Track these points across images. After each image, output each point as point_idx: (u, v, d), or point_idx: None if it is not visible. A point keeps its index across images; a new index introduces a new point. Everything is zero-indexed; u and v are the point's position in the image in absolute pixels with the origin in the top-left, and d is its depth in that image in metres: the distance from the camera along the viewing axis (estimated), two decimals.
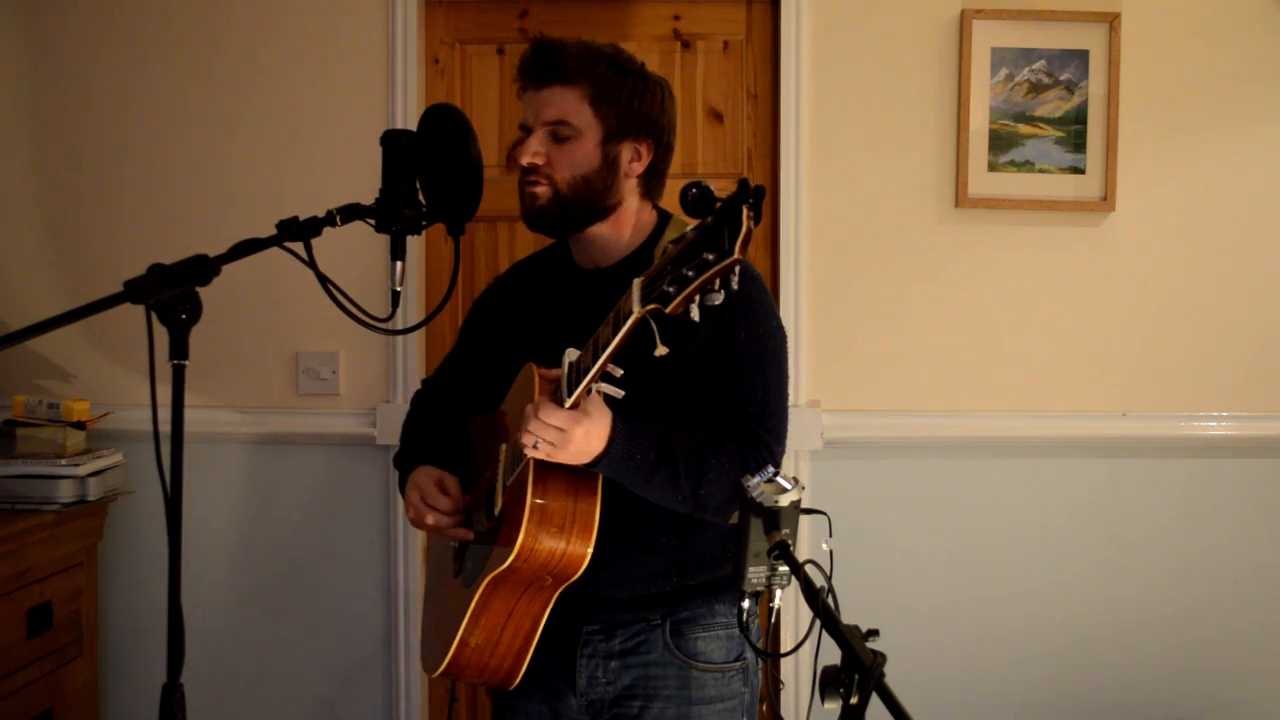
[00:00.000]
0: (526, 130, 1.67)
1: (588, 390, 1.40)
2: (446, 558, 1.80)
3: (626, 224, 1.69)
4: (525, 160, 1.64)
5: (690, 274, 1.18)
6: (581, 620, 1.67)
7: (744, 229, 1.14)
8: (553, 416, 1.41)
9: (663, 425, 1.53)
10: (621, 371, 1.38)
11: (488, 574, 1.53)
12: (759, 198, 1.15)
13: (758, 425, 1.59)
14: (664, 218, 1.74)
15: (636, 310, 1.26)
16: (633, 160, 1.67)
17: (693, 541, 1.64)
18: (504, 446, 1.65)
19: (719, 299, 1.20)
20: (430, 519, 1.67)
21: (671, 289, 1.20)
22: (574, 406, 1.42)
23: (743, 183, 1.15)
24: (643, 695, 1.66)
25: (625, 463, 1.48)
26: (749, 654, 1.71)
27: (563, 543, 1.49)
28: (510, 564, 1.48)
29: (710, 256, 1.16)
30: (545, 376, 1.54)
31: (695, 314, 1.22)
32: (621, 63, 1.66)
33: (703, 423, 1.58)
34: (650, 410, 1.55)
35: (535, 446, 1.43)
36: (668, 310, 1.22)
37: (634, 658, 1.66)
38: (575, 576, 1.52)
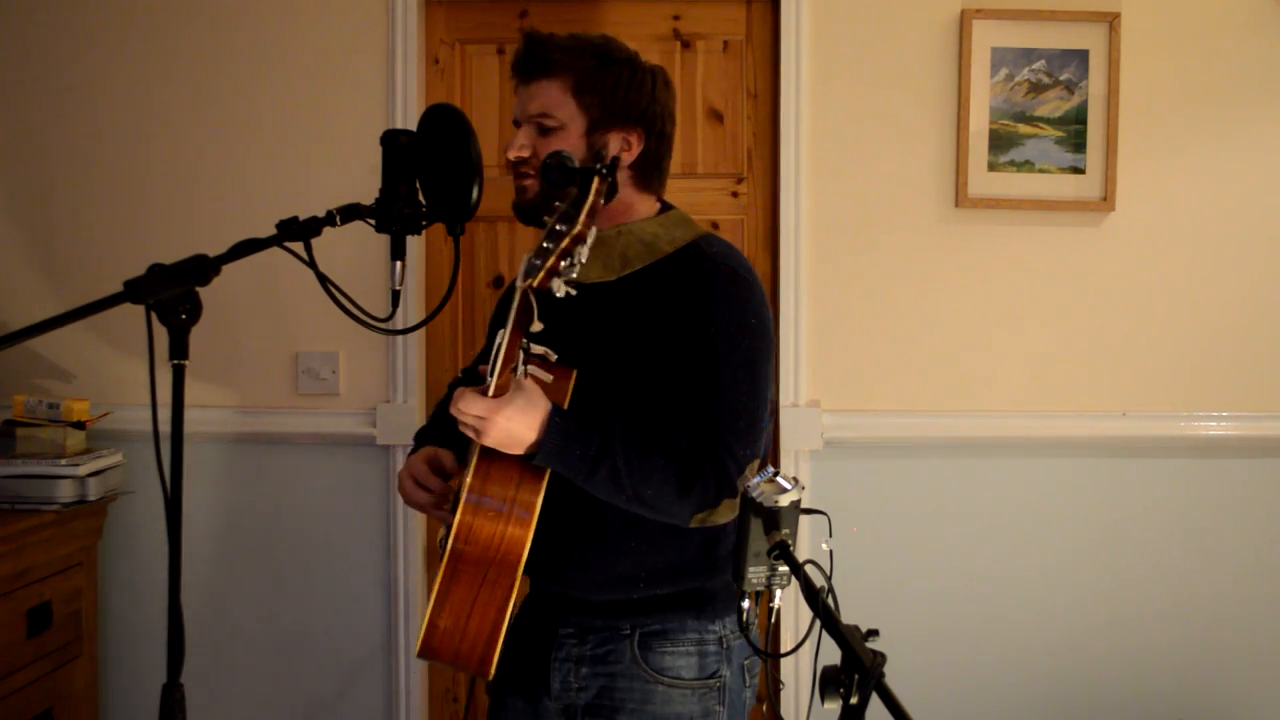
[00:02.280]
0: (518, 125, 1.67)
1: (514, 370, 1.40)
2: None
3: (620, 216, 1.66)
4: (512, 154, 1.64)
5: (549, 246, 1.18)
6: (557, 622, 1.66)
7: (589, 200, 1.13)
8: (472, 406, 1.42)
9: (609, 420, 1.51)
10: (556, 356, 1.38)
11: (445, 554, 1.54)
12: (613, 169, 1.14)
13: (721, 426, 1.54)
14: (665, 210, 1.71)
15: (520, 284, 1.26)
16: (622, 150, 1.64)
17: (658, 549, 1.61)
18: None
19: (574, 274, 1.19)
20: (417, 497, 1.69)
21: (537, 262, 1.20)
22: (500, 390, 1.43)
23: (598, 154, 1.15)
24: (610, 707, 1.63)
25: (562, 456, 1.47)
26: (726, 671, 1.65)
27: (501, 524, 1.48)
28: (452, 545, 1.49)
29: (561, 228, 1.16)
30: (482, 371, 1.54)
31: (560, 290, 1.21)
32: (608, 52, 1.65)
33: (666, 418, 1.55)
34: (621, 402, 1.55)
35: (466, 428, 1.45)
36: (535, 285, 1.22)
37: (603, 666, 1.64)
38: (521, 561, 1.50)
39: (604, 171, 1.13)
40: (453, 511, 1.70)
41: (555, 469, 1.49)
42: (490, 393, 1.42)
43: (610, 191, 1.16)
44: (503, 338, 1.40)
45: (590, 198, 1.12)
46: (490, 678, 1.64)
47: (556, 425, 1.45)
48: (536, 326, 1.26)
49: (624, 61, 1.65)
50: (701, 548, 1.62)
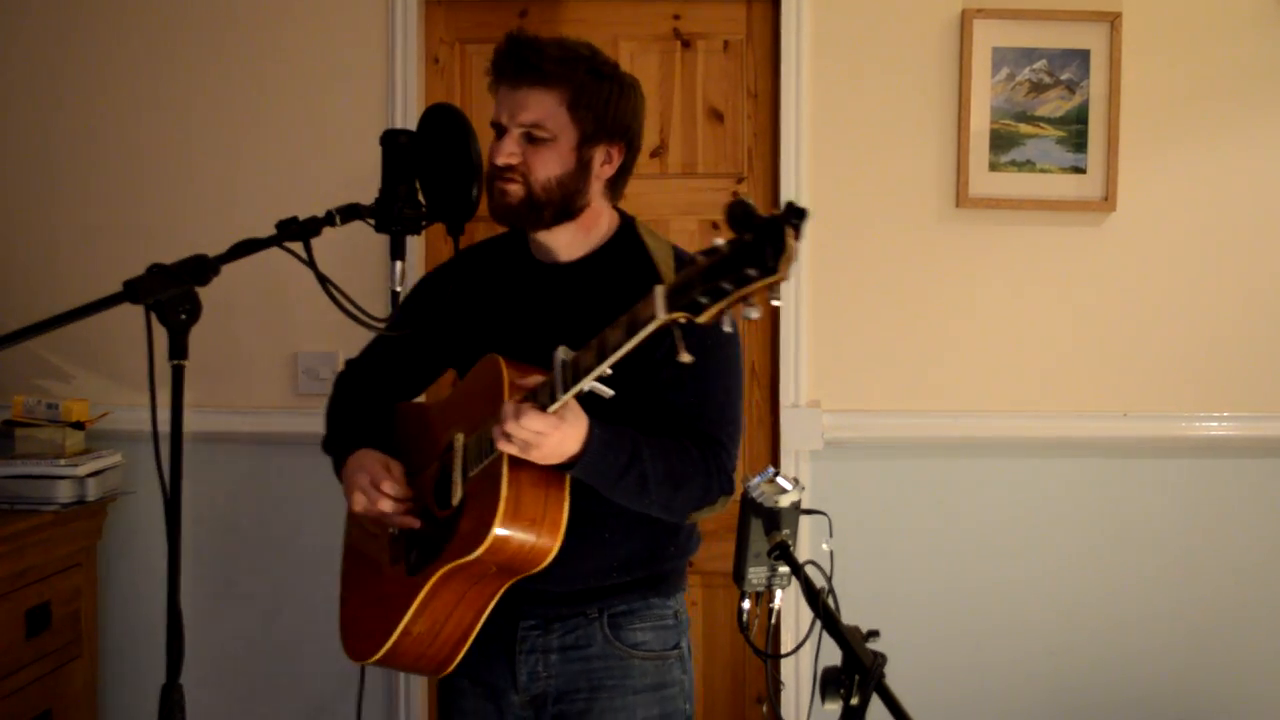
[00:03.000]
0: (499, 128, 1.67)
1: (582, 389, 1.40)
2: (374, 544, 1.78)
3: (591, 224, 1.71)
4: (500, 161, 1.64)
5: (728, 286, 1.18)
6: (517, 615, 1.68)
7: (787, 248, 1.15)
8: (533, 422, 1.42)
9: (633, 430, 1.56)
10: (610, 372, 1.39)
11: (444, 564, 1.53)
12: (801, 218, 1.15)
13: (717, 430, 1.63)
14: (628, 220, 1.75)
15: (662, 316, 1.26)
16: (604, 164, 1.68)
17: (632, 538, 1.67)
18: (459, 436, 1.63)
19: (756, 313, 1.20)
20: (383, 505, 1.67)
21: (705, 299, 1.20)
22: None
23: (789, 204, 1.16)
24: (588, 688, 1.68)
25: (598, 466, 1.51)
26: (683, 643, 1.76)
27: (533, 536, 1.50)
28: (479, 555, 1.49)
29: (752, 272, 1.17)
30: (519, 385, 1.52)
31: (727, 325, 1.23)
32: (598, 66, 1.66)
33: (662, 426, 1.61)
34: (612, 412, 1.55)
35: (510, 442, 1.44)
36: (700, 319, 1.23)
37: (575, 652, 1.68)
38: (537, 569, 1.53)
39: (796, 225, 1.15)
40: (422, 513, 1.68)
41: (586, 479, 1.52)
42: (553, 409, 1.43)
43: (798, 237, 1.18)
44: (588, 360, 1.38)
45: (790, 246, 1.14)
46: (444, 674, 1.65)
47: (597, 437, 1.49)
48: (686, 358, 1.26)
49: (612, 77, 1.68)
50: (665, 535, 1.71)
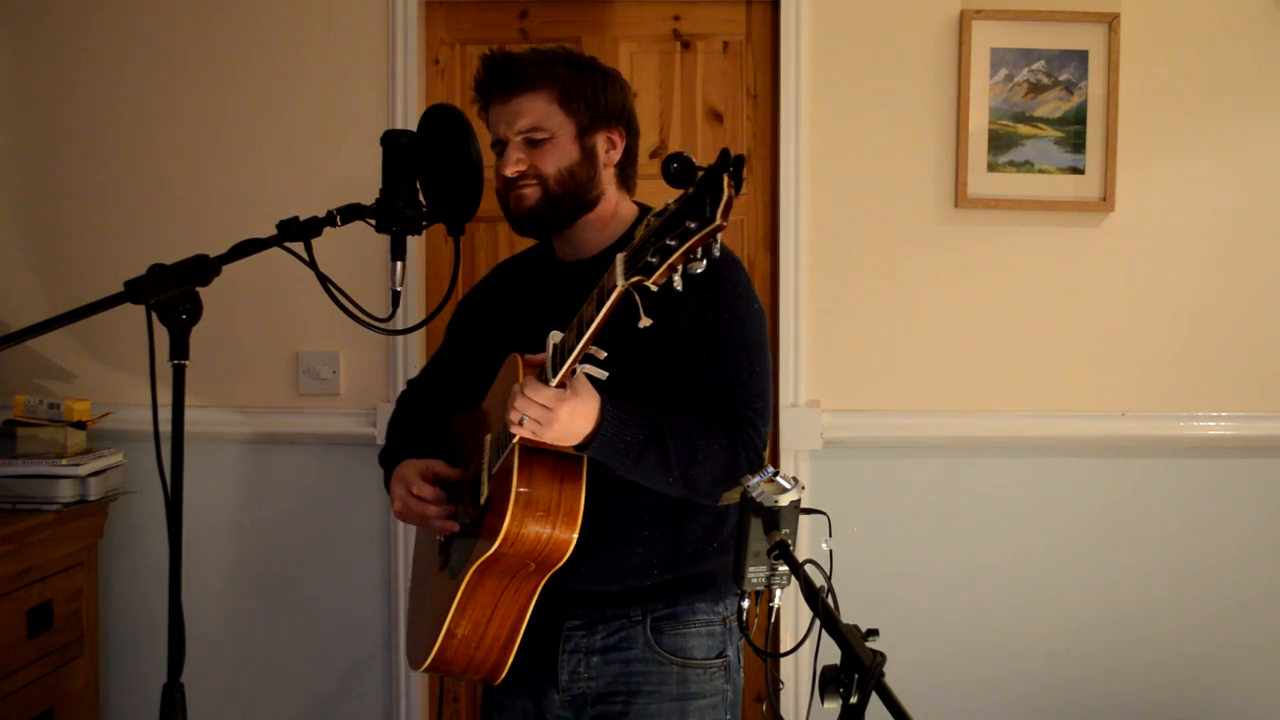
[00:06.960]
0: (501, 143, 1.69)
1: (572, 370, 1.41)
2: (432, 552, 1.81)
3: (609, 215, 1.72)
4: (510, 171, 1.66)
5: (673, 243, 1.19)
6: (563, 615, 1.68)
7: (724, 196, 1.15)
8: (539, 394, 1.42)
9: (651, 407, 1.54)
10: (605, 354, 1.39)
11: (474, 562, 1.53)
12: (739, 165, 1.16)
13: (743, 406, 1.61)
14: (644, 210, 1.75)
15: (620, 284, 1.26)
16: (609, 149, 1.70)
17: (673, 536, 1.66)
18: (488, 438, 1.65)
19: (701, 267, 1.21)
20: (416, 507, 1.69)
21: (655, 259, 1.21)
22: (559, 387, 1.43)
23: (723, 152, 1.17)
24: (625, 692, 1.67)
25: (615, 444, 1.49)
26: (730, 651, 1.72)
27: (548, 528, 1.49)
28: (496, 549, 1.49)
29: (692, 224, 1.17)
30: (529, 361, 1.54)
31: (679, 284, 1.22)
32: (577, 59, 1.70)
33: (688, 404, 1.60)
34: (637, 392, 1.56)
35: (521, 424, 1.43)
36: (651, 281, 1.22)
37: (615, 654, 1.68)
38: (561, 562, 1.53)
39: (732, 170, 1.15)
40: (461, 516, 1.70)
41: (604, 459, 1.51)
42: (553, 385, 1.43)
43: (736, 186, 1.18)
44: (570, 339, 1.39)
45: (725, 194, 1.14)
46: (498, 682, 1.65)
47: (610, 414, 1.48)
48: (645, 322, 1.26)
49: (593, 67, 1.71)
50: (707, 531, 1.68)
